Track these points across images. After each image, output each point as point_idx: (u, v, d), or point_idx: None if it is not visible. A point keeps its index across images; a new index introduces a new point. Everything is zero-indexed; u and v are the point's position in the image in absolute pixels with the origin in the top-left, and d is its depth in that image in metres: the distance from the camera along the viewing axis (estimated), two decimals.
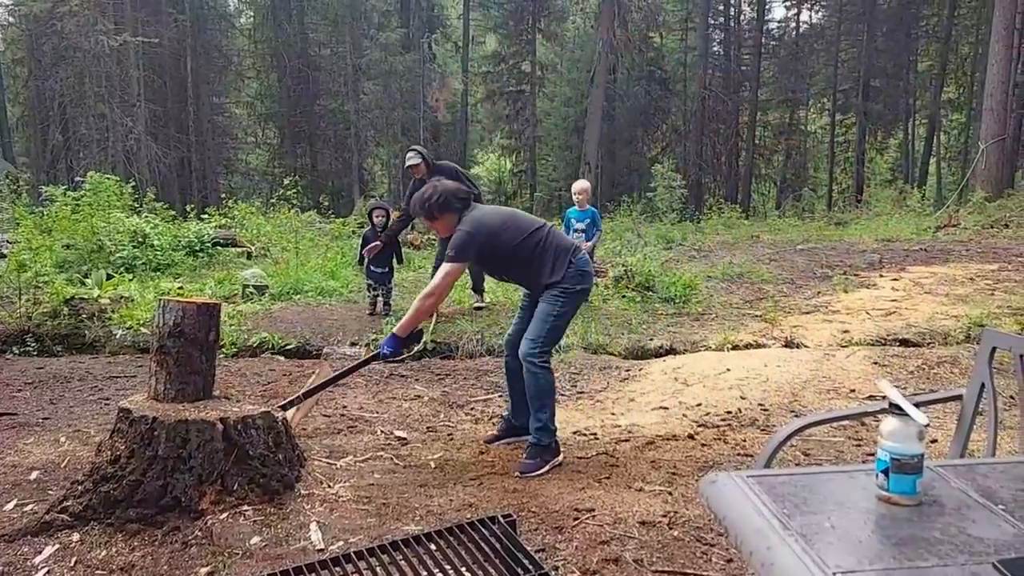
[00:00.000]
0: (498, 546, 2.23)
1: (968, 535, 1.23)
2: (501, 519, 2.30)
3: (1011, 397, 4.22)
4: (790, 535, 1.23)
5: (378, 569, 2.18)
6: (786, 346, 6.61)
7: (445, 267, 3.86)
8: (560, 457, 3.94)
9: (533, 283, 4.03)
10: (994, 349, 2.18)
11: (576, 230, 7.93)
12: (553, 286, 3.89)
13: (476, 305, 7.96)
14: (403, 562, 2.20)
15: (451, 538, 2.29)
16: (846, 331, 6.87)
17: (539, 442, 3.88)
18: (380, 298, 7.63)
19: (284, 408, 4.08)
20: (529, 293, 4.15)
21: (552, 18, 32.14)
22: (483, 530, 2.30)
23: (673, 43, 32.60)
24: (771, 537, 1.23)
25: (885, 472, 1.34)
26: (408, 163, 7.25)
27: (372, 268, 7.61)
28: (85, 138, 22.55)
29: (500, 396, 5.41)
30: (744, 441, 4.28)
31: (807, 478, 1.46)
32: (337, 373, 4.35)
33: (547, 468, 3.83)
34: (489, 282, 8.27)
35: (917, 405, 1.39)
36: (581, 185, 8.21)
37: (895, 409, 1.35)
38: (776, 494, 1.37)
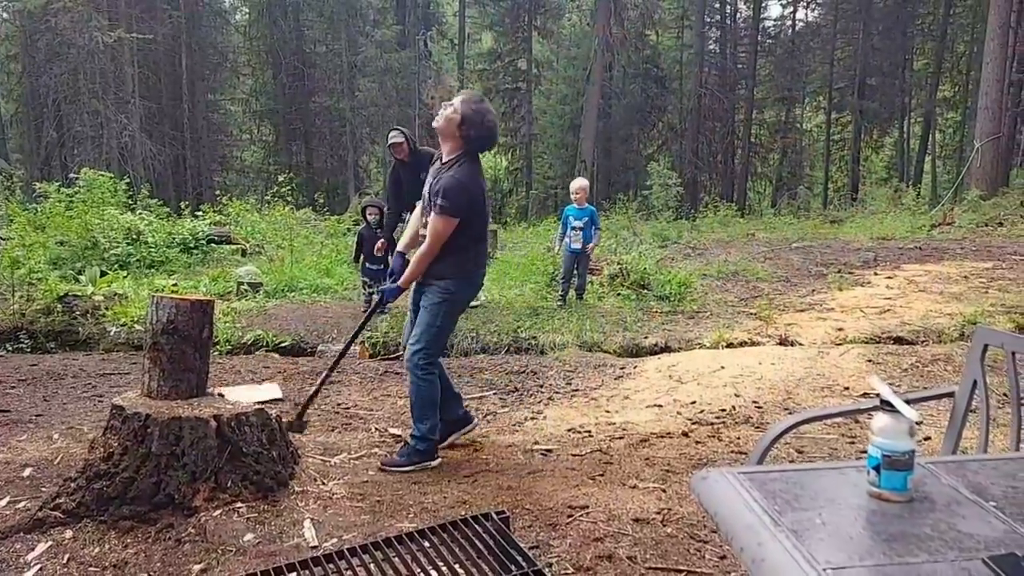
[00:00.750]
0: (491, 543, 2.23)
1: (958, 531, 1.23)
2: (495, 516, 2.30)
3: (1004, 395, 4.23)
4: (781, 531, 1.23)
5: (371, 566, 2.18)
6: (780, 344, 6.62)
7: (436, 224, 3.65)
8: (436, 461, 3.87)
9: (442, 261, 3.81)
10: (986, 347, 2.18)
11: (574, 228, 7.93)
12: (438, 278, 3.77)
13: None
14: (396, 559, 2.20)
15: (444, 535, 2.29)
16: (840, 329, 6.89)
17: (415, 447, 3.83)
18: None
19: (301, 418, 4.11)
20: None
21: (548, 15, 32.11)
22: (476, 527, 2.30)
23: (669, 41, 32.59)
24: (762, 533, 1.23)
25: (876, 468, 1.34)
26: (391, 140, 7.19)
27: (368, 265, 7.60)
28: (80, 135, 22.48)
29: (494, 393, 5.41)
30: (738, 438, 4.28)
31: (798, 475, 1.46)
32: (344, 346, 4.28)
33: (412, 468, 3.77)
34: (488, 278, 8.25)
35: (909, 402, 1.39)
36: (579, 183, 8.21)
37: (886, 406, 1.35)
38: (767, 490, 1.37)
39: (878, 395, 1.40)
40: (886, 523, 1.27)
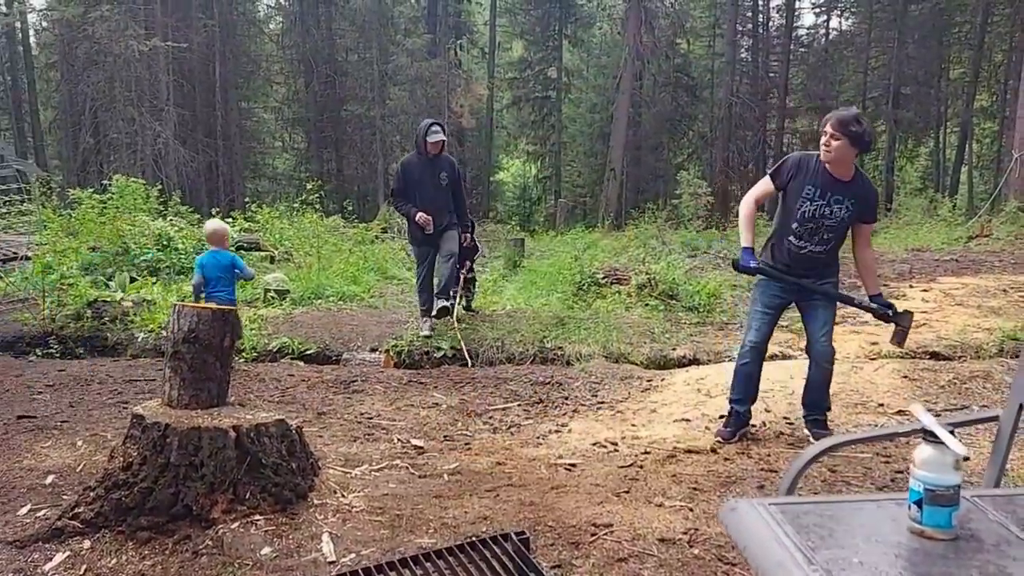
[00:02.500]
0: (510, 565, 2.16)
1: (1008, 575, 1.14)
2: (514, 537, 2.23)
3: None
4: (815, 570, 1.15)
5: None
6: None
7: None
8: None
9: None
10: None
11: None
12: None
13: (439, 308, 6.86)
14: None
15: (462, 556, 2.22)
16: (874, 343, 6.72)
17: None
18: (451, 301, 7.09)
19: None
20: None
21: (579, 24, 32.12)
22: (495, 548, 2.23)
23: (700, 49, 32.43)
24: (794, 572, 1.15)
25: (918, 503, 1.25)
26: (434, 138, 6.73)
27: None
28: (115, 142, 22.83)
29: (518, 404, 5.34)
30: (768, 455, 4.17)
31: (833, 507, 1.37)
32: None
33: None
34: (510, 286, 8.19)
35: (953, 427, 1.31)
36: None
37: (929, 435, 1.26)
38: (800, 524, 1.29)
39: (916, 419, 1.31)
40: (928, 564, 1.18)
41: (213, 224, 6.06)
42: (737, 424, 4.47)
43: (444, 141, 6.85)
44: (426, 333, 7.07)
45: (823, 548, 1.22)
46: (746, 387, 4.47)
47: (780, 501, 1.37)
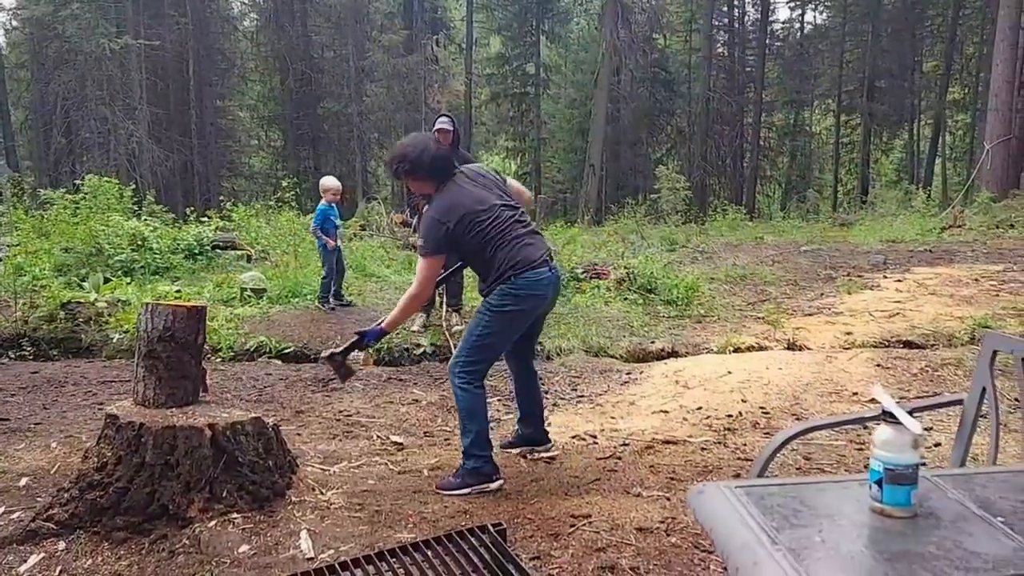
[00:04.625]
0: (488, 556, 2.18)
1: (965, 550, 1.17)
2: (491, 528, 2.25)
3: (1015, 400, 4.16)
4: (778, 550, 1.17)
5: None
6: (788, 348, 6.54)
7: (419, 265, 3.60)
8: (495, 484, 3.54)
9: (482, 279, 3.69)
10: (995, 353, 2.12)
11: (337, 227, 8.26)
12: (486, 296, 3.60)
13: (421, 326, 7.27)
14: (389, 573, 2.15)
15: (440, 548, 2.23)
16: (849, 333, 6.81)
17: (463, 464, 3.59)
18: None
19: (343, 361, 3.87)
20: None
21: (556, 20, 32.11)
22: (472, 539, 2.24)
23: (677, 45, 32.53)
24: (758, 552, 1.17)
25: (879, 483, 1.28)
26: (440, 126, 6.61)
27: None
28: (88, 141, 22.56)
29: (498, 399, 5.35)
30: (744, 445, 4.22)
31: (798, 488, 1.40)
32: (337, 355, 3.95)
33: (468, 491, 3.50)
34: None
35: (916, 411, 1.34)
36: (334, 183, 8.27)
37: (889, 417, 1.29)
38: (765, 506, 1.31)
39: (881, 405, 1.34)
40: (888, 541, 1.21)
41: None
42: None
43: (452, 132, 6.66)
44: (416, 328, 7.11)
45: (787, 528, 1.24)
46: None
47: (745, 484, 1.39)
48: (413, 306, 3.76)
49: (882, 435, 1.28)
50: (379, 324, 3.76)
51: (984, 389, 2.09)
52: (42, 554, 2.87)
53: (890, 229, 15.35)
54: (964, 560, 1.14)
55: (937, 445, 3.99)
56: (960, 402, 2.17)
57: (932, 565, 1.12)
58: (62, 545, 2.92)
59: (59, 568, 2.79)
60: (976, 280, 8.85)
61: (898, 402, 1.34)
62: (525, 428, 4.11)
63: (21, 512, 3.23)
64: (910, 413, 1.30)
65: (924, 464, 1.30)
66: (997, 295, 7.97)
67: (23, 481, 3.61)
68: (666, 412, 4.95)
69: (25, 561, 2.83)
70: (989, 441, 2.15)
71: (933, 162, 28.58)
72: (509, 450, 4.12)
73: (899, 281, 9.14)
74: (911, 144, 29.19)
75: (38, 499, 3.36)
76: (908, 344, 6.47)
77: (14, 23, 27.69)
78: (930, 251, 11.57)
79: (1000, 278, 8.91)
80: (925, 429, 4.27)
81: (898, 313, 7.42)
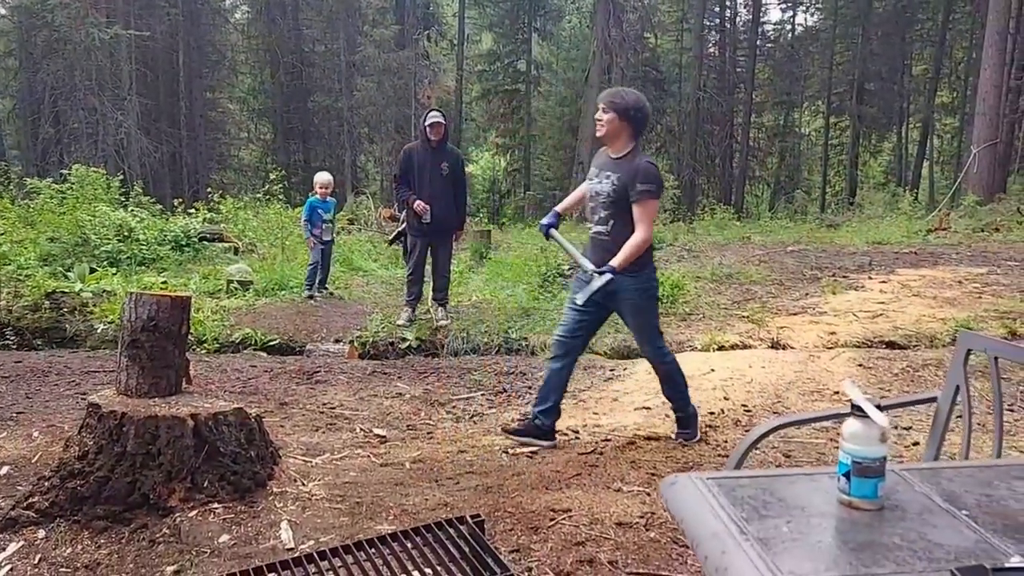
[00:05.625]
0: (466, 548, 2.19)
1: (928, 541, 1.19)
2: (469, 520, 2.26)
3: (990, 398, 4.20)
4: (747, 540, 1.19)
5: (340, 570, 2.14)
6: (772, 347, 6.58)
7: (648, 209, 3.83)
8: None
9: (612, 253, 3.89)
10: (969, 352, 2.15)
11: (325, 221, 8.46)
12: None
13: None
14: (367, 563, 2.16)
15: (417, 538, 2.25)
16: (832, 333, 6.85)
17: (693, 413, 4.29)
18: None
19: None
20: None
21: (548, 17, 32.09)
22: (450, 530, 2.26)
23: (668, 44, 32.54)
24: (727, 542, 1.19)
25: (847, 475, 1.30)
26: (432, 120, 6.77)
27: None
28: (76, 131, 22.36)
29: (482, 394, 5.37)
30: (726, 442, 4.25)
31: (769, 480, 1.42)
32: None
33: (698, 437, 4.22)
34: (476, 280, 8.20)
35: (888, 407, 1.36)
36: (326, 178, 8.58)
37: (858, 411, 1.31)
38: (735, 497, 1.33)
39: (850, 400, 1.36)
40: (855, 532, 1.23)
41: None
42: None
43: (443, 125, 6.82)
44: (402, 322, 7.12)
45: (756, 519, 1.26)
46: None
47: (717, 475, 1.41)
48: (643, 248, 3.90)
49: (850, 428, 1.30)
50: (609, 266, 3.83)
51: (958, 387, 2.12)
52: (21, 542, 2.86)
53: (876, 231, 15.42)
54: (927, 551, 1.16)
55: (915, 444, 4.03)
56: (934, 399, 2.20)
57: (896, 555, 1.15)
58: (42, 533, 2.91)
59: (38, 556, 2.78)
60: (960, 282, 8.92)
61: (870, 398, 1.36)
62: (549, 419, 4.23)
63: (1, 500, 3.22)
64: (880, 408, 1.32)
65: (888, 458, 1.33)
66: (980, 297, 8.04)
67: (4, 470, 3.60)
68: (648, 408, 4.98)
69: (4, 549, 2.83)
70: (962, 441, 2.18)
71: (920, 165, 28.73)
72: (515, 437, 4.24)
73: (883, 282, 9.20)
74: (899, 147, 29.34)
75: (19, 488, 3.36)
76: (890, 344, 6.52)
77: (2, 11, 27.42)
78: (915, 253, 11.64)
79: (983, 280, 8.98)
80: (904, 428, 4.31)
81: (881, 314, 7.48)
